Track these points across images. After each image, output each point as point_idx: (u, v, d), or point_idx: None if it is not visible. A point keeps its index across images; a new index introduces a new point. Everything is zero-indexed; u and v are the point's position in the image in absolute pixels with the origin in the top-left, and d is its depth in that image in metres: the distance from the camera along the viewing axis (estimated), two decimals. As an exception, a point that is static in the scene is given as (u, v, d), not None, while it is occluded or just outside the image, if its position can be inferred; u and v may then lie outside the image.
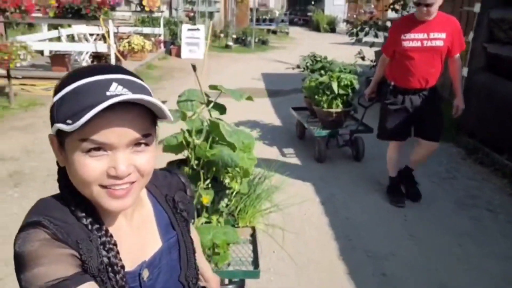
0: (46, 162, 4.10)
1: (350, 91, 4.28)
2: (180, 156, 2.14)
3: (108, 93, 0.69)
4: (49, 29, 9.82)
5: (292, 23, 26.46)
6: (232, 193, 2.08)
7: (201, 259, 1.16)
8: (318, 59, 5.30)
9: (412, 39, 3.11)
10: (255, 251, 1.99)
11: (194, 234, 1.10)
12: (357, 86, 4.32)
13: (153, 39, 11.02)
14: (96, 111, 0.65)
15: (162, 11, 12.01)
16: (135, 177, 0.75)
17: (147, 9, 10.90)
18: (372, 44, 7.48)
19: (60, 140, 0.74)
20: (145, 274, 0.83)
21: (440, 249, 2.87)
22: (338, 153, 4.65)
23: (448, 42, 3.10)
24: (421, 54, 3.12)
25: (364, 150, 4.48)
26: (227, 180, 2.06)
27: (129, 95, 0.68)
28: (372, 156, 4.50)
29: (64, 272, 0.67)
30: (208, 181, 1.99)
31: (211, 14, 17.09)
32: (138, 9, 11.26)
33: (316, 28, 24.32)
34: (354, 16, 16.56)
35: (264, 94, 7.73)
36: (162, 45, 11.91)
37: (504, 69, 4.45)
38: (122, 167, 0.71)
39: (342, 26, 23.66)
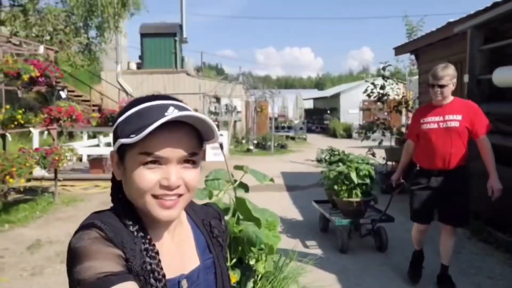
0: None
1: (368, 180, 4.44)
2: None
3: (166, 114, 0.79)
4: (88, 138, 10.97)
5: (309, 130, 27.86)
6: (257, 275, 2.07)
7: None
8: (336, 152, 5.59)
9: (429, 122, 3.32)
10: None
11: None
12: (374, 176, 4.50)
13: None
14: (156, 124, 0.75)
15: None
16: (183, 191, 0.84)
17: (176, 118, 12.12)
18: (380, 142, 8.14)
19: (120, 155, 0.85)
20: (184, 284, 0.87)
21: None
22: (361, 244, 4.67)
23: (465, 123, 3.23)
24: (439, 135, 3.27)
25: (388, 240, 4.47)
26: (252, 262, 2.10)
27: (183, 112, 0.79)
28: (397, 244, 4.53)
29: (111, 268, 0.73)
30: (234, 260, 2.01)
31: (235, 123, 18.55)
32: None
33: (333, 134, 25.51)
34: (378, 123, 17.52)
35: (283, 188, 8.26)
36: (188, 150, 12.94)
37: (500, 156, 4.92)
38: (173, 178, 0.81)
39: (377, 133, 24.89)
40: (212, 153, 12.86)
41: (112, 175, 0.90)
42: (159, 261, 0.81)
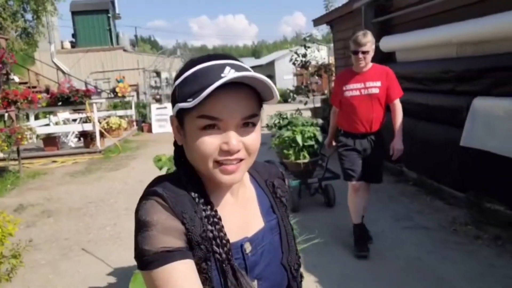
0: (64, 204, 5.52)
1: (314, 142, 4.64)
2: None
3: (222, 75, 0.75)
4: (35, 119, 11.37)
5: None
6: None
7: None
8: (284, 116, 5.86)
9: (352, 89, 3.41)
10: None
11: None
12: (320, 137, 4.70)
13: (126, 119, 12.76)
14: (213, 87, 0.71)
15: (132, 96, 13.94)
16: (244, 155, 0.81)
17: (120, 95, 12.73)
18: (305, 103, 9.51)
19: (179, 119, 0.83)
20: (247, 247, 0.86)
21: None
22: (311, 201, 4.91)
23: (384, 89, 3.38)
24: (361, 101, 3.39)
25: (335, 196, 4.73)
26: None
27: (239, 73, 0.74)
28: (345, 200, 4.29)
29: (170, 243, 0.75)
30: None
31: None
32: (112, 95, 13.11)
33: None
34: (302, 87, 19.05)
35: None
36: (134, 123, 13.65)
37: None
38: (233, 141, 0.78)
39: (293, 96, 26.47)
40: (158, 125, 13.69)
41: (174, 139, 0.89)
42: (222, 226, 0.81)
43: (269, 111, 9.32)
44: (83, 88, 11.23)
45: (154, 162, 2.90)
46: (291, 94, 9.65)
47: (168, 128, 13.54)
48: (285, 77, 28.77)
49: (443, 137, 4.71)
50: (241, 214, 0.90)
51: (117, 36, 20.69)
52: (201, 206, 0.82)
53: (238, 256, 0.84)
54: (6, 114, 7.22)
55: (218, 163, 0.80)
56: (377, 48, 6.59)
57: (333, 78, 10.13)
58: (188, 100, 0.76)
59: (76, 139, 10.47)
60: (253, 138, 0.81)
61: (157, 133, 13.23)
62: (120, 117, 12.53)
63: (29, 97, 7.44)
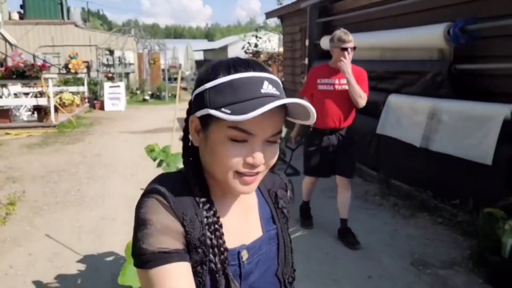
0: (26, 172, 5.95)
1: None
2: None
3: (262, 91, 0.76)
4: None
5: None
6: None
7: None
8: None
9: (326, 83, 3.48)
10: None
11: None
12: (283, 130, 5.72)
13: (78, 95, 12.90)
14: (266, 109, 0.70)
15: (85, 73, 14.02)
16: (262, 168, 0.81)
17: (72, 71, 12.82)
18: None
19: (203, 122, 0.81)
20: (244, 254, 0.86)
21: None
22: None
23: None
24: (333, 96, 3.46)
25: (294, 192, 5.69)
26: None
27: (289, 99, 0.74)
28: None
29: (171, 245, 0.75)
30: None
31: (127, 75, 19.35)
32: (64, 71, 13.16)
33: (222, 84, 27.53)
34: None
35: (179, 130, 10.02)
36: (86, 100, 13.79)
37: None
38: (259, 156, 0.78)
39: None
40: (110, 103, 13.91)
41: (184, 136, 0.88)
42: (222, 234, 0.81)
43: None
44: (31, 61, 11.29)
45: (146, 152, 2.99)
46: None
47: (120, 107, 13.82)
48: (238, 62, 29.29)
49: (366, 126, 5.67)
50: (241, 221, 0.89)
51: (68, 10, 20.25)
52: (204, 210, 0.81)
53: (234, 262, 0.84)
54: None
55: (238, 174, 0.79)
56: (318, 46, 7.48)
57: (281, 68, 10.99)
58: (224, 110, 0.74)
59: (28, 113, 10.58)
60: (274, 152, 0.82)
61: (109, 111, 13.47)
62: (72, 93, 12.65)
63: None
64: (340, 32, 3.49)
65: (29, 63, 9.65)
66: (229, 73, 0.77)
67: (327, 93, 3.49)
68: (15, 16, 18.95)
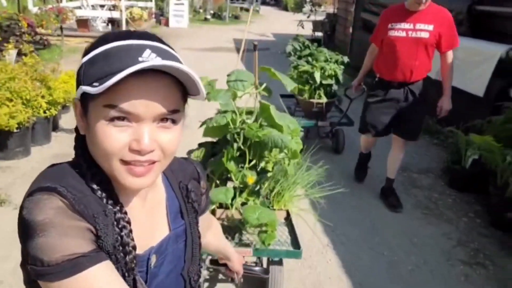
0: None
1: (333, 81, 4.25)
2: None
3: (140, 59, 0.64)
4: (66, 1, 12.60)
5: (264, 3, 29.36)
6: (269, 176, 2.07)
7: (222, 239, 1.21)
8: (306, 44, 5.25)
9: (398, 29, 3.03)
10: (293, 232, 2.01)
11: (211, 218, 1.12)
12: (341, 77, 4.30)
13: (146, 11, 13.93)
14: (125, 73, 0.60)
15: (153, -11, 14.92)
16: (158, 156, 0.69)
17: (141, -13, 13.74)
18: (308, 16, 10.71)
19: (83, 105, 0.69)
20: (153, 260, 0.79)
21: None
22: (318, 144, 4.08)
23: (436, 34, 2.97)
24: (405, 44, 3.02)
25: (344, 143, 4.36)
26: (262, 164, 2.09)
27: (163, 61, 0.63)
28: (354, 147, 4.24)
29: (80, 248, 0.62)
30: (254, 162, 2.00)
31: (192, -8, 19.98)
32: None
33: (285, 8, 27.30)
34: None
35: (235, 51, 10.88)
36: (153, 16, 14.82)
37: (371, 29, 7.75)
38: (146, 140, 0.66)
39: (307, 7, 26.83)
40: (175, 20, 14.86)
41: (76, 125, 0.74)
42: (130, 231, 0.70)
43: (275, 24, 10.32)
44: None
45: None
46: (311, 7, 10.70)
47: (183, 24, 14.75)
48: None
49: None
50: (148, 220, 0.80)
51: None
52: (110, 207, 0.69)
53: (142, 269, 0.76)
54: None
55: (125, 162, 0.67)
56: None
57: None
58: (94, 84, 0.63)
59: (104, 24, 11.82)
60: (171, 139, 0.69)
61: (173, 27, 14.47)
62: (141, 8, 13.68)
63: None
64: None
65: (105, -22, 10.66)
66: (105, 44, 0.67)
67: (398, 40, 3.04)
68: None
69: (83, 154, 0.73)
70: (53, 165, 0.74)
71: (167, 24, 14.87)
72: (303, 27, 10.75)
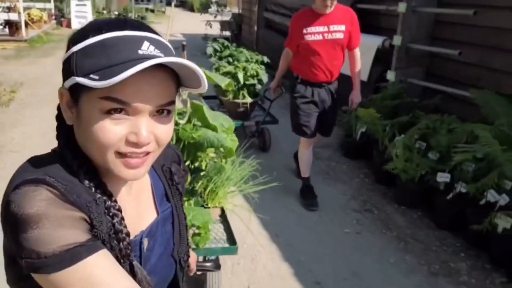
0: (9, 78, 6.98)
1: (256, 81, 4.35)
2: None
3: (140, 52, 0.64)
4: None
5: (169, 4, 29.23)
6: (203, 175, 2.08)
7: None
8: (226, 45, 5.32)
9: (314, 33, 3.07)
10: (228, 229, 2.02)
11: None
12: (263, 76, 4.41)
13: (45, 12, 13.32)
14: (136, 69, 0.59)
15: (52, -11, 14.28)
16: (153, 148, 0.70)
17: (39, -13, 13.12)
18: (215, 16, 11.18)
19: (73, 95, 0.68)
20: (146, 243, 0.80)
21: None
22: (246, 143, 4.01)
23: (347, 33, 3.12)
24: (324, 47, 3.09)
25: (271, 141, 4.47)
26: (196, 163, 2.10)
27: (169, 58, 0.63)
28: (279, 145, 4.51)
29: (76, 238, 0.62)
30: (187, 162, 2.02)
31: (93, -7, 19.35)
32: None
33: (191, 9, 27.49)
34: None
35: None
36: (53, 17, 14.21)
37: (274, 27, 8.44)
38: (144, 133, 0.66)
39: (213, 7, 27.31)
40: (77, 22, 14.38)
41: (58, 113, 0.74)
42: (122, 218, 0.71)
43: (183, 25, 10.58)
44: None
45: None
46: (217, 8, 11.24)
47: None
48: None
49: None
50: (135, 206, 0.81)
51: None
52: (99, 196, 0.69)
53: (135, 253, 0.77)
54: None
55: (120, 154, 0.67)
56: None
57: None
58: (92, 76, 0.62)
59: (0, 27, 11.14)
60: (166, 129, 0.70)
61: (76, 29, 13.96)
62: (40, 10, 13.06)
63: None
64: None
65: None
66: (100, 33, 0.65)
67: (316, 43, 3.10)
68: None
69: (68, 144, 0.72)
70: (33, 157, 0.72)
71: (69, 25, 14.34)
72: (211, 27, 11.19)
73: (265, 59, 4.75)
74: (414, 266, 2.75)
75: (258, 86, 4.42)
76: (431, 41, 4.42)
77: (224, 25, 11.42)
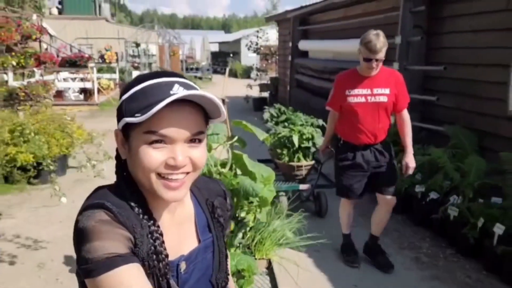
0: (93, 130, 8.72)
1: (311, 144, 4.33)
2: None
3: (171, 92, 0.79)
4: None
5: (215, 71, 31.99)
6: (248, 226, 2.09)
7: (231, 282, 1.21)
8: (282, 111, 5.44)
9: (356, 95, 3.06)
10: (273, 282, 2.02)
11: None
12: (318, 139, 4.35)
13: (111, 81, 15.67)
14: (164, 103, 0.75)
15: (117, 62, 16.80)
16: (189, 168, 0.84)
17: (107, 61, 15.56)
18: (255, 79, 12.85)
19: (125, 134, 0.85)
20: (183, 266, 0.91)
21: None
22: (301, 208, 3.92)
23: (392, 96, 3.07)
24: (366, 109, 3.07)
25: (327, 205, 4.28)
26: (242, 214, 2.16)
27: (189, 91, 0.78)
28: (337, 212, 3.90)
29: (117, 249, 0.76)
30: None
31: (150, 64, 22.09)
32: (100, 61, 15.93)
33: (234, 75, 29.97)
34: (264, 65, 22.15)
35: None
36: (118, 85, 16.58)
37: (303, 86, 9.85)
38: (180, 157, 0.81)
39: (254, 72, 29.64)
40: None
41: (117, 152, 0.91)
42: (163, 242, 0.85)
43: (228, 89, 12.41)
44: (68, 51, 14.06)
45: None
46: (256, 73, 13.23)
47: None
48: (249, 54, 31.68)
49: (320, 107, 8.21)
50: (177, 232, 0.93)
51: (100, 6, 23.06)
52: (145, 221, 0.84)
53: (173, 274, 0.89)
54: (38, 71, 10.14)
55: (161, 176, 0.82)
56: (297, 47, 9.98)
57: (273, 60, 13.59)
58: (136, 115, 0.78)
59: (76, 94, 13.37)
60: (200, 154, 0.85)
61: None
62: (107, 79, 15.40)
63: (53, 60, 10.35)
64: (370, 35, 2.94)
65: (79, 55, 12.38)
66: (141, 82, 0.83)
67: (358, 105, 3.09)
68: (54, 11, 21.84)
69: (123, 176, 0.89)
70: (99, 187, 0.89)
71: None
72: (251, 88, 12.83)
73: (320, 122, 4.79)
74: (389, 245, 3.72)
75: (313, 149, 4.45)
76: (422, 91, 5.52)
77: (263, 87, 13.04)
